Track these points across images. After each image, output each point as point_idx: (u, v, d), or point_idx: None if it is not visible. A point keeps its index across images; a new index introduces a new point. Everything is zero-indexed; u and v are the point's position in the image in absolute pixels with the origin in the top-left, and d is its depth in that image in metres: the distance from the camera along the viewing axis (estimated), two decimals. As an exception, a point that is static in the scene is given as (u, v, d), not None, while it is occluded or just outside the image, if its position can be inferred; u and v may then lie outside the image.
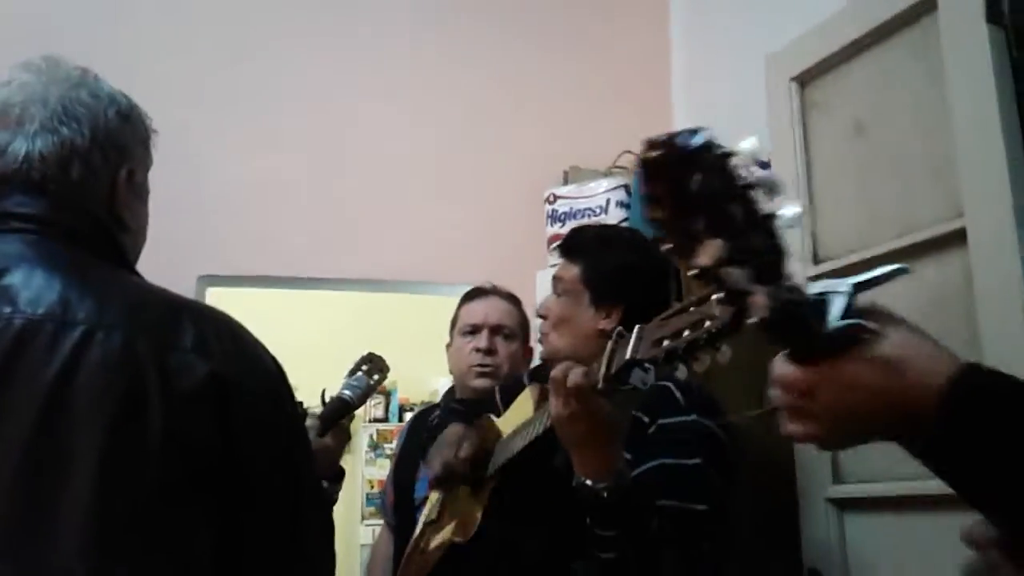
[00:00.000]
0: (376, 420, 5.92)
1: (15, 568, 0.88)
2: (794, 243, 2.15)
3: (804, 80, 2.12)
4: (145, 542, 0.91)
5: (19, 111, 1.04)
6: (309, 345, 3.74)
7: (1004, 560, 0.76)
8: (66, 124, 1.04)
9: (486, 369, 2.17)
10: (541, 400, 1.52)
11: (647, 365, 1.11)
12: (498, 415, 1.75)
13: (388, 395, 5.91)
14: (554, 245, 2.84)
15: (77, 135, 1.05)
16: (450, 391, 2.34)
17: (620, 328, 1.21)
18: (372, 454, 5.87)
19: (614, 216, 2.79)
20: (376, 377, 1.73)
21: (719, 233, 0.63)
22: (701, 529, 1.36)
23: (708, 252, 0.63)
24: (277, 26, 3.11)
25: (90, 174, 1.06)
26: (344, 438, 1.63)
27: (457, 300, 2.39)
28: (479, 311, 2.24)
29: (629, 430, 1.43)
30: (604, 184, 2.86)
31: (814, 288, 0.69)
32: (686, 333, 0.97)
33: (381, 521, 2.68)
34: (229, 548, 0.95)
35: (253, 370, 1.01)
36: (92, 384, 0.91)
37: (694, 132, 0.63)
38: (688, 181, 0.62)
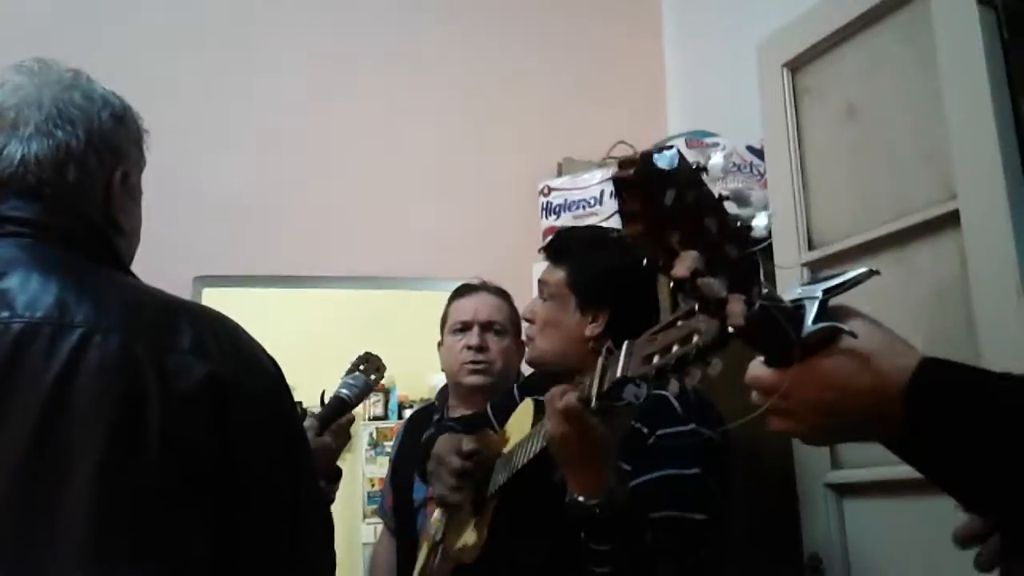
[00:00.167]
0: (376, 418, 5.92)
1: (13, 572, 0.87)
2: (788, 228, 2.15)
3: (796, 66, 2.12)
4: (144, 545, 0.90)
5: (13, 114, 1.03)
6: (306, 344, 3.74)
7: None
8: (60, 127, 1.04)
9: (479, 366, 2.16)
10: (539, 415, 1.51)
11: (639, 380, 1.12)
12: (493, 431, 1.75)
13: (387, 393, 5.91)
14: (548, 238, 2.85)
15: (72, 138, 1.04)
16: (443, 390, 2.33)
17: (610, 344, 1.22)
18: (372, 452, 5.87)
19: (608, 207, 2.79)
20: (373, 376, 1.73)
21: (694, 245, 0.66)
22: (699, 538, 1.38)
23: (684, 263, 0.66)
24: (273, 26, 3.11)
25: (85, 177, 1.05)
26: (344, 439, 1.63)
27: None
28: (468, 308, 2.23)
29: (628, 441, 1.44)
30: (598, 175, 2.85)
31: (789, 295, 0.73)
32: (675, 348, 0.98)
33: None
34: (227, 549, 0.95)
35: (251, 370, 1.01)
36: (91, 387, 0.91)
37: (665, 150, 0.66)
38: (662, 197, 0.65)
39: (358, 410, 1.73)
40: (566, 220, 2.87)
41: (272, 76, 3.05)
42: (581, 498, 1.29)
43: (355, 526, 5.38)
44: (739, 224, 0.69)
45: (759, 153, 2.41)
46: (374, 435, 5.93)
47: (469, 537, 1.59)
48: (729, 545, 1.46)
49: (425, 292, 2.95)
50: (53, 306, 0.94)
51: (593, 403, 1.23)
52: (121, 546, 0.89)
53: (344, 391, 1.67)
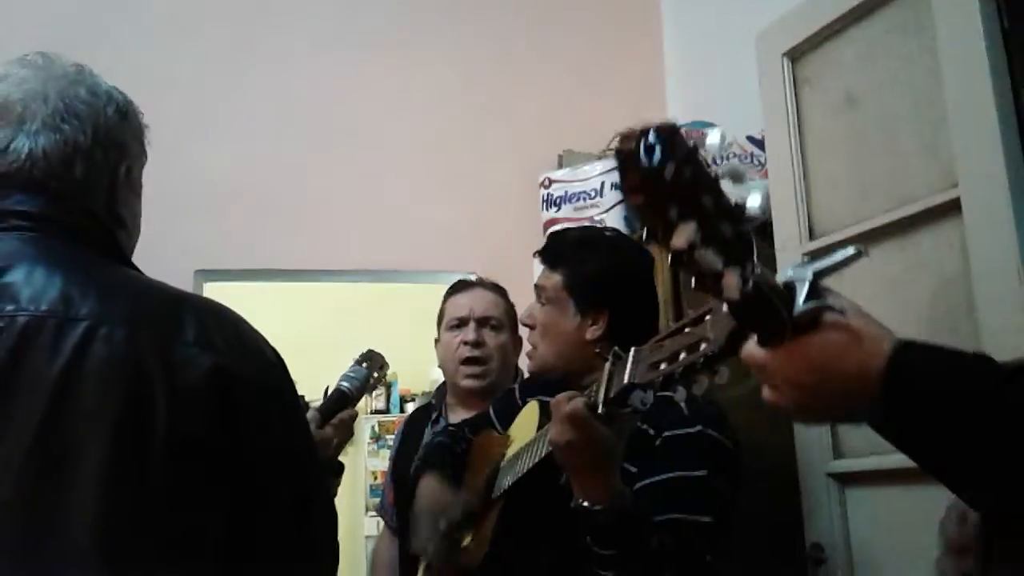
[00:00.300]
0: (377, 412, 5.94)
1: (23, 571, 0.87)
2: (789, 218, 2.14)
3: (795, 55, 2.12)
4: (152, 551, 0.90)
5: (20, 108, 1.03)
6: (308, 338, 3.75)
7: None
8: (67, 122, 1.04)
9: (476, 368, 2.14)
10: (544, 418, 1.51)
11: (645, 387, 1.13)
12: (497, 433, 1.75)
13: (389, 387, 5.93)
14: (550, 230, 2.84)
15: (79, 133, 1.04)
16: (441, 388, 2.32)
17: (616, 350, 1.22)
18: (374, 445, 5.89)
19: (609, 199, 2.79)
20: (376, 374, 1.73)
21: (691, 220, 0.68)
22: (705, 540, 1.37)
23: (683, 234, 0.68)
24: (273, 18, 3.10)
25: (92, 172, 1.05)
26: (347, 433, 1.63)
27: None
28: (464, 304, 2.22)
29: (634, 442, 1.43)
30: (599, 167, 2.85)
31: (780, 276, 0.74)
32: (683, 356, 0.98)
33: (386, 512, 2.66)
34: (237, 540, 0.95)
35: (256, 362, 1.01)
36: (97, 380, 0.91)
37: (665, 126, 0.68)
38: (662, 171, 0.66)
39: (360, 404, 1.72)
40: (567, 212, 2.87)
41: (272, 69, 3.05)
42: (586, 503, 1.29)
43: (358, 519, 5.40)
44: (734, 203, 0.71)
45: (759, 143, 2.40)
46: (376, 428, 5.95)
47: (473, 540, 1.59)
48: (732, 538, 1.46)
49: (427, 285, 2.95)
50: (58, 299, 0.94)
51: (600, 409, 1.23)
52: (128, 552, 0.89)
53: (345, 384, 1.67)
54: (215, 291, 2.66)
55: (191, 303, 1.02)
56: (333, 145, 3.05)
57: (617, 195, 2.80)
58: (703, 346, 0.94)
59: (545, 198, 2.93)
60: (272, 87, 3.04)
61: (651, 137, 0.67)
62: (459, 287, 2.29)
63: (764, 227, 2.06)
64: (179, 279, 1.08)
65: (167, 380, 0.92)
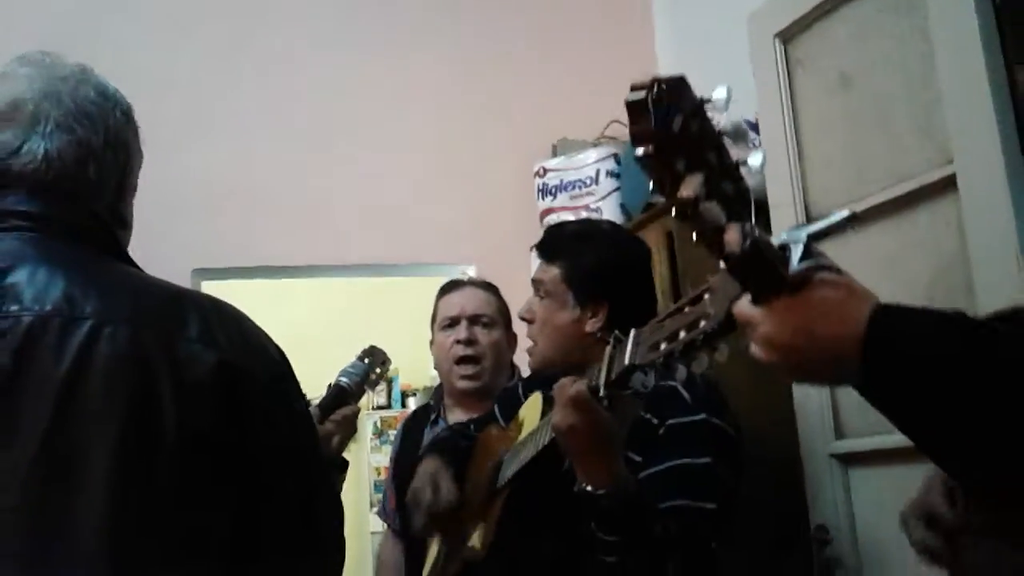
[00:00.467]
0: (379, 407, 5.94)
1: (30, 572, 0.87)
2: (785, 200, 2.12)
3: (787, 36, 2.11)
4: (161, 539, 0.90)
5: (31, 107, 1.02)
6: (307, 335, 3.75)
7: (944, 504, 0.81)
8: (80, 123, 1.04)
9: (469, 369, 2.14)
10: (548, 409, 1.51)
11: (646, 368, 1.13)
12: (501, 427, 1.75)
13: (390, 382, 5.92)
14: (546, 219, 2.84)
15: (92, 134, 1.05)
16: (439, 389, 2.33)
17: (617, 333, 1.22)
18: (377, 441, 5.89)
19: (604, 187, 2.79)
20: (378, 370, 1.72)
21: (699, 171, 0.68)
22: (709, 527, 1.38)
23: (691, 184, 0.68)
24: (268, 15, 3.10)
25: (103, 172, 1.06)
26: (350, 430, 1.62)
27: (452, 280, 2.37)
28: (456, 303, 2.22)
29: (638, 431, 1.44)
30: (593, 155, 2.85)
31: (775, 239, 0.75)
32: (682, 335, 0.99)
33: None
34: (244, 535, 0.95)
35: (260, 358, 1.01)
36: (104, 379, 0.90)
37: (675, 78, 0.68)
38: (671, 122, 0.67)
39: (362, 401, 1.72)
40: (563, 201, 2.87)
41: (268, 66, 3.04)
42: (589, 488, 1.29)
43: (362, 515, 5.40)
44: (736, 162, 0.71)
45: (754, 126, 2.40)
46: (378, 424, 5.95)
47: (478, 531, 1.59)
48: (737, 524, 1.46)
49: (425, 278, 2.95)
50: (61, 299, 0.93)
51: (601, 391, 1.23)
52: (136, 554, 0.89)
53: (344, 380, 1.67)
54: (212, 289, 2.65)
55: (193, 300, 1.02)
56: (329, 141, 3.04)
57: (613, 182, 2.79)
58: (702, 323, 0.94)
59: (540, 187, 2.92)
60: (266, 84, 3.03)
61: (661, 88, 0.67)
62: (450, 287, 2.29)
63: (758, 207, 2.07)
64: (176, 278, 1.08)
65: (173, 376, 0.92)
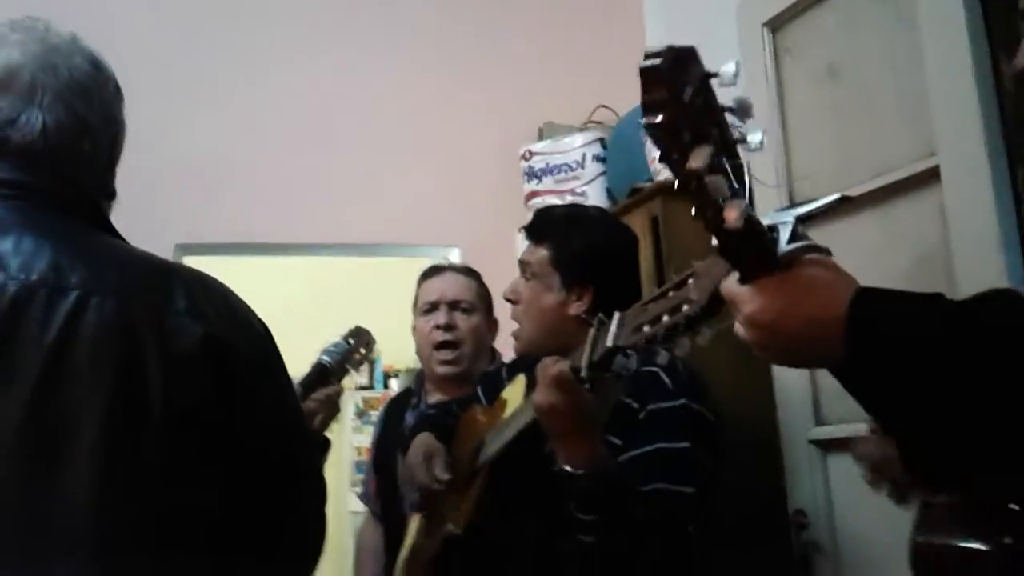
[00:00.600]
0: (362, 388, 5.94)
1: (11, 560, 0.86)
2: (770, 189, 2.12)
3: (776, 25, 2.11)
4: (148, 515, 0.90)
5: (29, 76, 1.01)
6: (290, 312, 3.73)
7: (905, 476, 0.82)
8: (76, 97, 1.03)
9: (448, 354, 2.14)
10: (531, 391, 1.52)
11: (629, 352, 1.14)
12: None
13: (372, 362, 5.92)
14: (531, 202, 2.84)
15: (88, 110, 1.04)
16: (420, 374, 2.33)
17: (601, 315, 1.22)
18: (359, 421, 5.89)
19: (591, 171, 2.79)
20: (363, 350, 1.72)
21: (706, 143, 0.67)
22: (688, 511, 1.39)
23: (701, 155, 0.67)
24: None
25: (97, 147, 1.05)
26: (332, 409, 1.62)
27: (436, 262, 2.37)
28: (435, 288, 2.22)
29: (619, 416, 1.44)
30: (579, 139, 2.84)
31: (763, 220, 0.75)
32: (665, 319, 0.99)
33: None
34: (228, 508, 0.95)
35: (245, 332, 1.01)
36: (91, 349, 0.90)
37: (687, 48, 0.67)
38: (682, 92, 0.66)
39: (345, 381, 1.72)
40: (548, 184, 2.86)
41: (251, 44, 3.02)
42: (569, 468, 1.30)
43: (343, 494, 5.40)
44: (736, 138, 0.71)
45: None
46: (360, 404, 5.94)
47: (457, 509, 1.60)
48: (716, 510, 1.48)
49: (409, 259, 2.94)
50: (48, 268, 0.92)
51: (583, 372, 1.24)
52: (124, 532, 0.88)
53: (325, 358, 1.67)
54: (195, 264, 2.60)
55: (179, 273, 1.02)
56: (314, 120, 3.02)
57: (599, 166, 2.79)
58: (685, 307, 0.95)
59: (526, 171, 2.92)
60: (253, 63, 3.00)
61: (676, 56, 0.66)
62: (430, 272, 2.29)
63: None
64: (159, 252, 1.07)
65: (160, 347, 0.91)
